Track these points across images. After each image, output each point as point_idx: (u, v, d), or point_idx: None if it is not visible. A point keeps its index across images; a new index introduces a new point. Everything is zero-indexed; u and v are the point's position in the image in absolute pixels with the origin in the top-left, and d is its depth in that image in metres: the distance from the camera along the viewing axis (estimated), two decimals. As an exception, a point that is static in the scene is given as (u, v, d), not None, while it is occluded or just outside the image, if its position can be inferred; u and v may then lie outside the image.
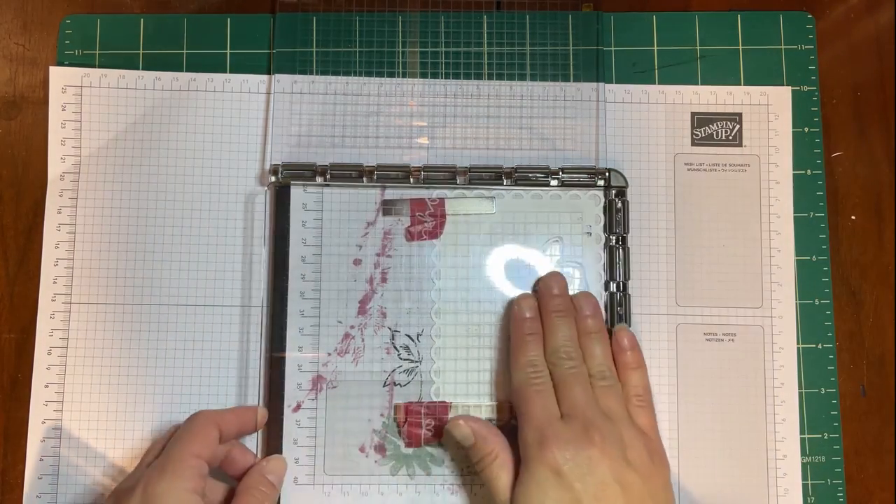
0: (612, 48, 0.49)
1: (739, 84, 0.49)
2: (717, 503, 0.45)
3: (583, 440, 0.39)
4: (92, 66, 0.48)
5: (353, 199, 0.47)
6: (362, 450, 0.45)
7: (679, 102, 0.48)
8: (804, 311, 0.47)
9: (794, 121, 0.48)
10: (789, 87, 0.49)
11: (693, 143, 0.48)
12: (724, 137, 0.48)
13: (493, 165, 0.47)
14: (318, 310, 0.46)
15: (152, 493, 0.37)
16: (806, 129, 0.49)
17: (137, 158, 0.47)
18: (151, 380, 0.46)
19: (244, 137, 0.48)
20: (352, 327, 0.46)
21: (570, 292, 0.46)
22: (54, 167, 0.47)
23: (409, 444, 0.45)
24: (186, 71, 0.48)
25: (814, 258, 0.48)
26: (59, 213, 0.47)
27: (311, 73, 0.48)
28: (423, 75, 0.48)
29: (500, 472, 0.41)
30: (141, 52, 0.49)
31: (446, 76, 0.48)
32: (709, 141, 0.48)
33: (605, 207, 0.47)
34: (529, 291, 0.46)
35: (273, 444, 0.45)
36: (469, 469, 0.45)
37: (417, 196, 0.47)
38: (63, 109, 0.48)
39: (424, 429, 0.45)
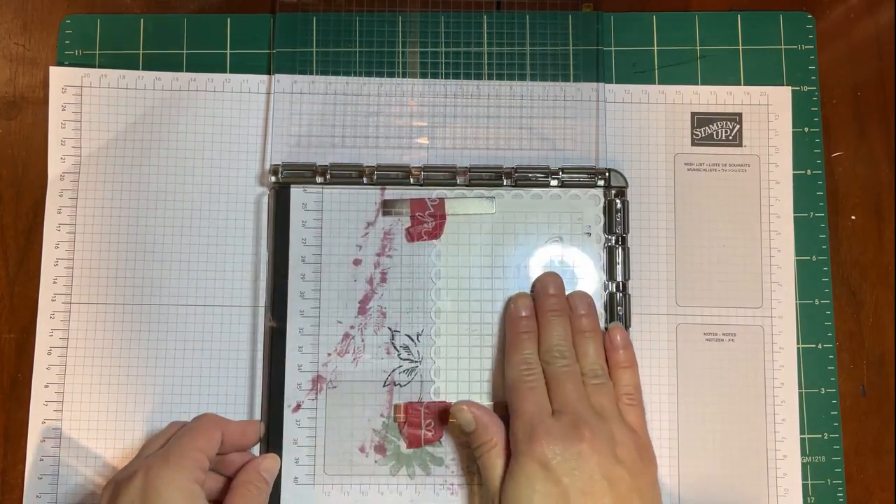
0: (612, 48, 0.49)
1: (739, 84, 0.49)
2: (717, 503, 0.45)
3: (572, 435, 0.40)
4: (92, 66, 0.48)
5: (353, 200, 0.47)
6: (362, 450, 0.45)
7: (679, 102, 0.48)
8: (804, 311, 0.47)
9: (794, 121, 0.48)
10: (789, 87, 0.49)
11: (693, 143, 0.48)
12: (724, 137, 0.48)
13: (493, 165, 0.47)
14: (318, 310, 0.46)
15: (154, 478, 0.38)
16: (806, 129, 0.49)
17: (137, 158, 0.47)
18: (151, 380, 0.46)
19: (244, 137, 0.48)
20: (352, 327, 0.46)
21: (568, 292, 0.46)
22: (54, 167, 0.47)
23: (409, 444, 0.45)
24: (186, 71, 0.48)
25: (814, 258, 0.48)
26: (59, 213, 0.47)
27: (311, 73, 0.48)
28: (423, 75, 0.48)
29: (497, 461, 0.41)
30: (141, 52, 0.49)
31: (446, 76, 0.48)
32: (709, 141, 0.48)
33: (604, 207, 0.47)
34: (527, 291, 0.46)
35: (273, 443, 0.45)
36: (469, 469, 0.45)
37: (417, 196, 0.47)
38: (63, 109, 0.48)
39: (424, 429, 0.45)
